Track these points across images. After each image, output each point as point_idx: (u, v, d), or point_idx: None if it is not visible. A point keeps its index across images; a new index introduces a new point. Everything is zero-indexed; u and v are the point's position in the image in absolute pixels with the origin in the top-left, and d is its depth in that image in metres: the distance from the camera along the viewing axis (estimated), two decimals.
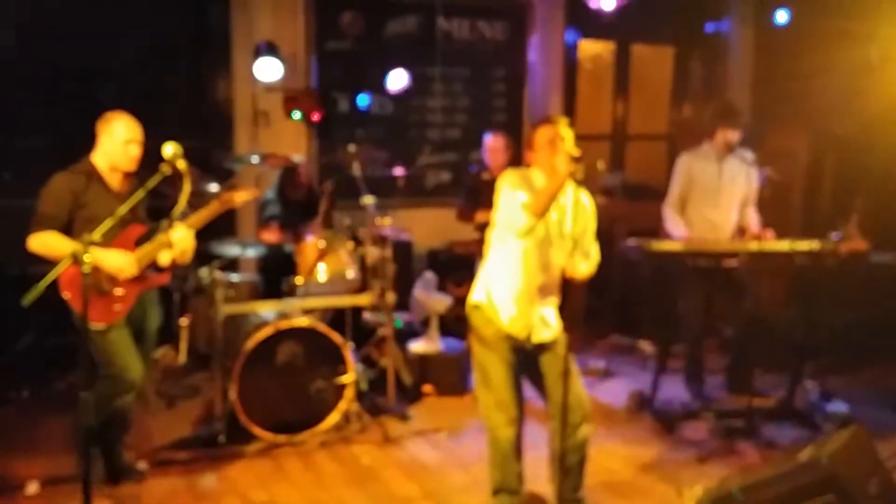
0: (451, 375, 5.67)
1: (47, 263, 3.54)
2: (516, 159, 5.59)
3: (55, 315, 3.75)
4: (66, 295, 3.74)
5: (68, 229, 3.75)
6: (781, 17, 7.55)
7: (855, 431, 3.41)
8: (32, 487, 4.10)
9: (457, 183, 7.50)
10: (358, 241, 5.33)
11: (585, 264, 3.71)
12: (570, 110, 8.06)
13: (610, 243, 5.91)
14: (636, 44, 8.55)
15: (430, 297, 5.86)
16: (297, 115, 6.88)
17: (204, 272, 5.03)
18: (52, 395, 5.36)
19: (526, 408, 3.75)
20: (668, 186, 5.42)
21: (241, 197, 4.31)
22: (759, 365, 5.52)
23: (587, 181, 3.40)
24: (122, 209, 3.46)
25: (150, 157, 3.76)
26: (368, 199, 5.33)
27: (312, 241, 5.09)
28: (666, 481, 4.32)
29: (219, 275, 4.90)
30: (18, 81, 6.05)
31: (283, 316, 4.88)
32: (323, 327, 4.81)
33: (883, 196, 6.43)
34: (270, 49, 6.47)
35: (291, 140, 6.93)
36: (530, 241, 3.57)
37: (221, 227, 4.50)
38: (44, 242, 3.71)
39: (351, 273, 5.13)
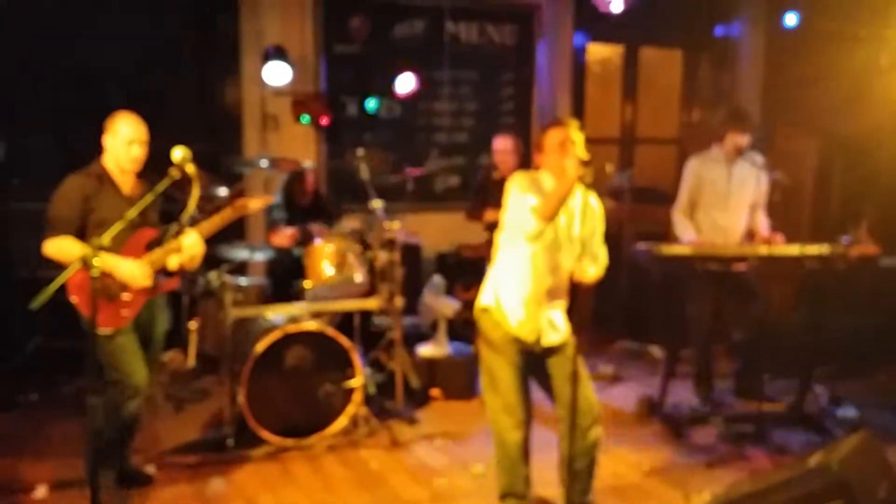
0: (459, 379, 5.66)
1: (55, 267, 3.55)
2: (526, 161, 5.59)
3: (63, 319, 3.76)
4: (74, 299, 3.73)
5: (82, 233, 3.75)
6: (791, 20, 7.53)
7: (865, 436, 3.39)
8: (41, 491, 4.11)
9: (465, 187, 7.50)
10: (366, 245, 5.33)
11: (594, 268, 3.70)
12: (578, 114, 8.05)
13: (619, 247, 5.92)
14: (645, 47, 8.54)
15: (439, 301, 5.86)
16: (305, 118, 6.90)
17: (213, 276, 5.04)
18: (61, 399, 5.37)
19: (534, 411, 3.75)
20: (677, 190, 5.41)
21: (256, 204, 4.30)
22: (768, 370, 5.50)
23: (596, 184, 3.40)
24: (132, 213, 3.47)
25: (160, 161, 3.75)
26: (377, 203, 5.33)
27: (321, 245, 5.09)
28: (674, 486, 4.30)
29: (228, 278, 4.92)
30: (28, 86, 6.07)
31: (291, 320, 4.88)
32: (331, 331, 4.81)
33: (893, 200, 6.40)
34: (279, 53, 6.48)
35: (300, 144, 6.95)
36: (539, 245, 3.56)
37: (230, 230, 4.50)
38: (59, 248, 3.70)
39: (359, 277, 5.13)
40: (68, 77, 6.17)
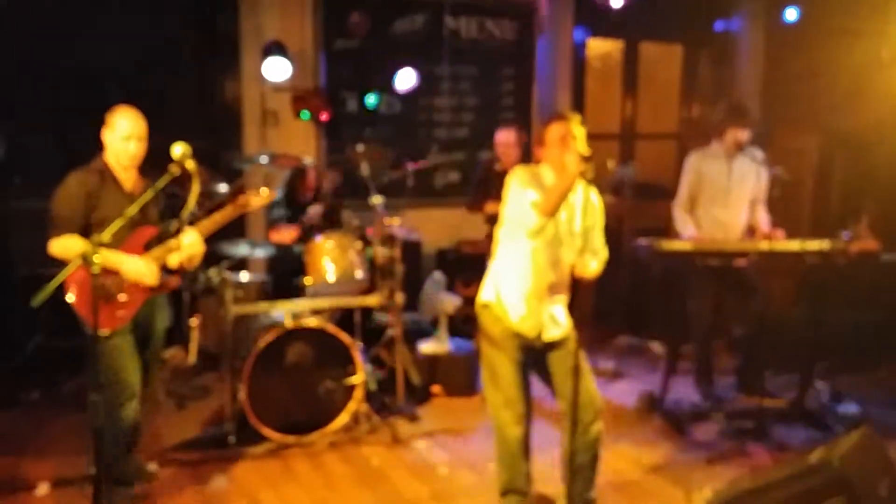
0: (460, 376, 5.66)
1: (56, 265, 3.52)
2: (527, 154, 5.59)
3: (64, 317, 3.73)
4: (71, 298, 3.68)
5: (86, 231, 3.70)
6: (791, 14, 7.53)
7: (866, 433, 3.39)
8: (43, 488, 4.12)
9: (465, 182, 7.50)
10: (367, 242, 5.33)
11: (595, 263, 3.69)
12: (578, 109, 8.04)
13: (619, 243, 5.91)
14: (645, 42, 8.53)
15: (439, 298, 5.86)
16: (305, 114, 6.89)
17: (213, 272, 5.04)
18: (62, 397, 5.37)
19: (535, 407, 3.75)
20: (677, 186, 5.41)
21: (258, 201, 4.27)
22: (769, 365, 5.50)
23: (597, 180, 3.39)
24: (132, 209, 3.45)
25: (160, 158, 3.73)
26: (377, 199, 5.33)
27: (321, 242, 5.09)
28: (675, 482, 4.30)
29: (228, 275, 4.91)
30: (28, 84, 6.06)
31: (292, 316, 4.87)
32: (332, 328, 4.81)
33: (893, 195, 6.39)
34: (279, 49, 6.47)
35: (300, 140, 6.94)
36: (540, 240, 3.55)
37: (231, 227, 4.50)
38: (65, 246, 3.66)
39: (360, 273, 5.13)
40: (67, 75, 6.17)
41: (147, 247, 3.85)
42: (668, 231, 5.42)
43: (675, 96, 8.81)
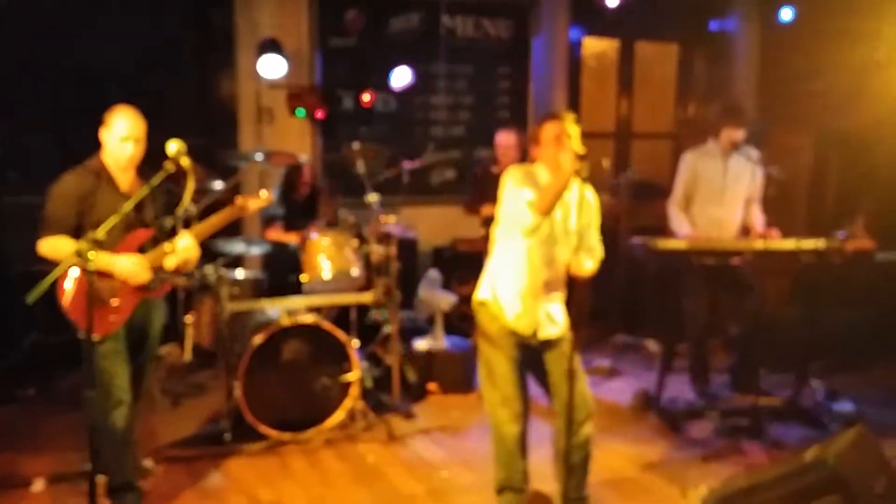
0: (456, 373, 5.67)
1: (52, 262, 3.52)
2: (527, 157, 5.59)
3: (60, 313, 3.72)
4: (65, 302, 3.61)
5: (78, 232, 3.61)
6: (786, 14, 7.53)
7: (861, 431, 3.40)
8: (38, 485, 4.12)
9: (461, 180, 7.51)
10: (362, 239, 5.32)
11: (590, 261, 3.70)
12: (574, 108, 8.02)
13: (615, 241, 5.92)
14: (640, 41, 8.53)
15: (435, 295, 5.86)
16: (301, 112, 6.89)
17: (209, 270, 5.03)
18: (58, 394, 5.38)
19: (531, 406, 3.75)
20: (672, 184, 5.42)
21: (256, 204, 4.22)
22: (764, 364, 5.51)
23: (592, 179, 3.39)
24: (127, 206, 3.41)
25: (155, 156, 3.71)
26: (373, 197, 5.33)
27: (317, 239, 5.09)
28: (671, 480, 4.31)
29: (224, 272, 4.91)
30: (24, 81, 6.05)
31: (288, 313, 4.88)
32: (328, 325, 4.81)
33: (888, 194, 6.41)
34: (274, 46, 6.46)
35: (295, 137, 6.94)
36: (535, 239, 3.56)
37: (226, 224, 4.48)
38: (53, 247, 3.61)
39: (355, 271, 5.13)
40: (63, 72, 6.16)
41: (141, 249, 3.78)
42: (663, 230, 5.42)
43: (671, 95, 8.82)
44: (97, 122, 3.74)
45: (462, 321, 5.84)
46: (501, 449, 3.70)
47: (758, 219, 5.32)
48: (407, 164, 6.11)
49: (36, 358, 5.66)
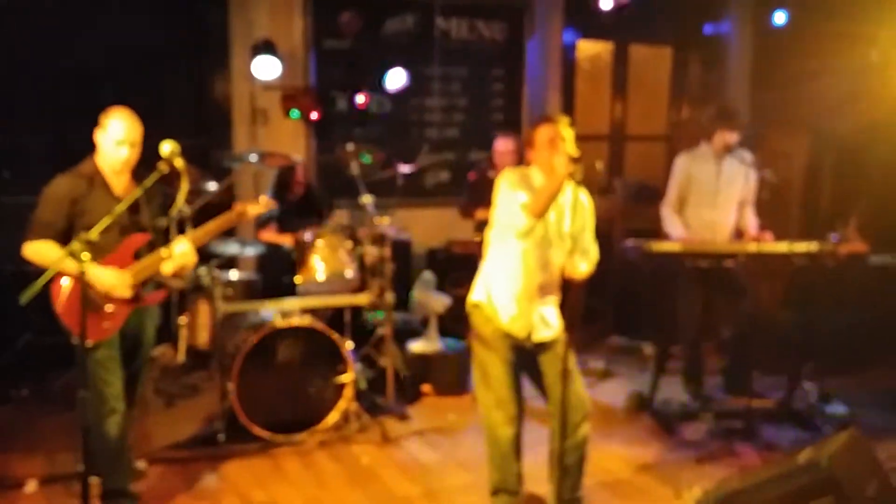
0: (450, 375, 5.67)
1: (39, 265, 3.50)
2: (523, 163, 5.60)
3: (53, 313, 3.70)
4: (60, 308, 3.56)
5: (67, 235, 3.56)
6: (780, 18, 7.55)
7: (854, 433, 3.42)
8: (31, 486, 4.10)
9: (455, 182, 7.51)
10: (357, 241, 5.32)
11: (585, 264, 3.71)
12: (568, 110, 8.06)
13: (609, 244, 5.93)
14: (635, 44, 8.55)
15: (429, 297, 5.86)
16: (295, 113, 6.88)
17: (203, 271, 5.03)
18: (51, 394, 5.35)
19: (525, 408, 3.76)
20: (666, 187, 5.43)
21: (255, 209, 4.17)
22: (757, 366, 5.51)
23: (586, 182, 3.40)
24: (120, 207, 3.38)
25: (149, 156, 3.68)
26: (367, 199, 5.33)
27: (311, 241, 5.09)
28: (665, 482, 4.32)
29: (218, 273, 4.90)
30: (18, 81, 6.03)
31: (282, 315, 4.87)
32: (322, 327, 4.81)
33: (882, 198, 6.43)
34: (269, 47, 6.46)
35: (290, 139, 6.94)
36: (529, 241, 3.57)
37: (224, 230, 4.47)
38: (37, 251, 3.55)
39: (350, 272, 5.13)
40: (59, 72, 6.13)
41: (137, 255, 3.72)
42: (657, 232, 5.43)
43: (665, 98, 8.84)
44: (92, 122, 3.68)
45: (456, 323, 5.83)
46: (496, 451, 3.71)
47: (751, 221, 5.34)
48: (401, 169, 6.12)
49: (29, 358, 5.64)
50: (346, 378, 4.83)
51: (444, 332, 5.85)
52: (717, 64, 8.67)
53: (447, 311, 5.86)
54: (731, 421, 5.01)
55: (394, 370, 5.32)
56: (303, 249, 5.10)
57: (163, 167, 3.53)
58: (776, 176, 5.22)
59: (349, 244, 5.21)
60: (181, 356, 5.49)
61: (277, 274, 5.50)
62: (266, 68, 6.42)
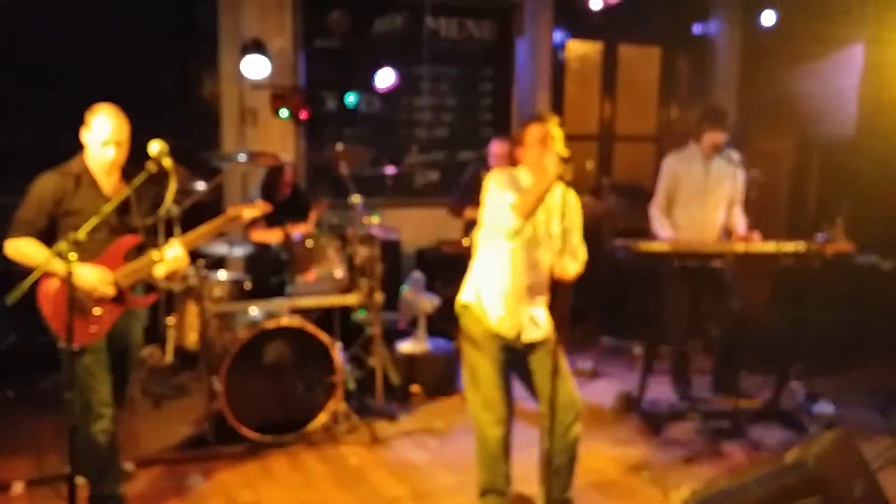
0: (439, 375, 5.67)
1: (20, 264, 3.47)
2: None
3: (40, 314, 3.68)
4: (47, 312, 3.49)
5: (51, 234, 3.51)
6: (768, 18, 7.58)
7: (841, 433, 3.42)
8: (18, 487, 4.08)
9: (445, 182, 7.51)
10: (346, 241, 5.31)
11: (574, 264, 3.71)
12: (557, 110, 8.07)
13: (598, 244, 5.94)
14: (624, 44, 8.57)
15: (418, 297, 5.86)
16: (284, 113, 6.87)
17: (191, 271, 5.00)
18: (38, 395, 5.33)
19: (514, 409, 3.76)
20: (655, 187, 5.44)
21: (250, 213, 4.16)
22: (745, 366, 5.54)
23: (576, 181, 3.41)
24: (108, 207, 3.33)
25: (137, 156, 3.65)
26: (356, 199, 5.32)
27: (300, 241, 5.08)
28: (653, 482, 4.33)
29: (206, 274, 4.88)
30: (3, 78, 5.99)
31: (270, 315, 4.86)
32: (311, 327, 4.79)
33: (868, 198, 6.47)
34: (258, 46, 6.44)
35: (279, 138, 6.92)
36: (518, 242, 3.57)
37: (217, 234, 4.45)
38: (18, 249, 3.49)
39: (339, 272, 5.12)
40: (45, 69, 6.10)
41: (127, 257, 3.66)
42: (646, 232, 5.44)
43: (654, 98, 8.86)
44: (80, 121, 3.61)
45: (445, 323, 5.83)
46: (484, 452, 3.70)
47: (739, 221, 5.35)
48: (390, 171, 6.11)
49: (16, 359, 5.61)
50: (335, 379, 4.82)
51: (432, 332, 5.84)
52: (705, 64, 8.69)
53: (436, 311, 5.86)
54: (718, 421, 5.03)
55: (383, 373, 5.31)
56: (292, 249, 5.09)
57: (151, 167, 3.48)
58: (764, 176, 5.24)
59: (338, 244, 5.21)
60: (169, 357, 5.47)
61: (266, 274, 5.49)
62: (255, 67, 6.41)
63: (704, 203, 5.31)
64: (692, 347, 5.58)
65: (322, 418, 4.83)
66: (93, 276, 3.50)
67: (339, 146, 5.47)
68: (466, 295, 3.76)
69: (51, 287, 3.48)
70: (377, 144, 7.09)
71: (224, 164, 5.58)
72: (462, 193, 6.18)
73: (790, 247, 4.84)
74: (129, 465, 4.28)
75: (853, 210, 5.58)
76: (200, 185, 5.25)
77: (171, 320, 5.39)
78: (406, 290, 5.94)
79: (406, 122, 7.59)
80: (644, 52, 8.78)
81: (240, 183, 6.64)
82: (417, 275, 6.08)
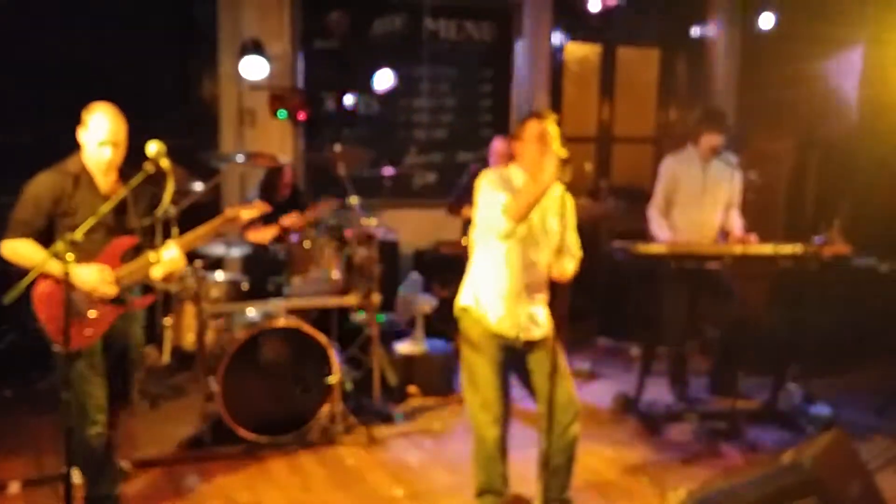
0: (437, 376, 5.67)
1: (17, 265, 3.47)
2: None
3: (36, 316, 3.67)
4: (41, 315, 3.46)
5: (48, 234, 3.48)
6: (767, 21, 7.57)
7: (837, 434, 3.43)
8: (14, 487, 4.08)
9: (443, 183, 7.50)
10: (343, 241, 5.31)
11: (571, 263, 3.71)
12: (556, 112, 8.02)
13: (596, 245, 5.94)
14: (622, 46, 8.56)
15: (416, 298, 5.86)
16: (282, 114, 6.87)
17: (188, 272, 5.00)
18: (35, 395, 5.32)
19: (512, 409, 3.76)
20: (653, 189, 5.45)
21: (248, 214, 4.12)
22: (742, 367, 5.54)
23: (575, 183, 3.40)
24: (105, 207, 3.31)
25: (135, 156, 3.64)
26: (354, 199, 5.32)
27: (298, 242, 5.08)
28: (650, 483, 4.34)
29: (203, 274, 4.88)
30: (3, 78, 5.99)
31: (267, 316, 4.86)
32: (308, 328, 4.79)
33: (866, 200, 6.47)
34: (256, 47, 6.44)
35: (277, 139, 6.92)
36: (513, 242, 3.57)
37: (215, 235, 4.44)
38: (14, 250, 3.46)
39: (336, 273, 5.12)
40: (44, 69, 6.09)
41: (124, 258, 3.62)
42: (644, 234, 5.45)
43: (652, 100, 8.86)
44: (78, 120, 3.58)
45: (443, 324, 5.84)
46: (482, 452, 3.70)
47: (737, 223, 5.36)
48: (389, 171, 6.11)
49: (13, 359, 5.61)
50: (333, 379, 4.82)
51: (430, 333, 5.84)
52: (703, 66, 8.69)
53: (433, 311, 5.86)
54: (716, 422, 5.04)
55: (381, 373, 5.31)
56: (290, 250, 5.09)
57: (149, 167, 3.47)
58: (762, 178, 5.24)
59: (336, 245, 5.21)
60: (166, 357, 5.47)
61: (263, 275, 5.48)
62: (254, 68, 6.40)
63: (702, 205, 5.32)
64: (690, 349, 5.57)
65: (319, 419, 4.83)
66: (93, 277, 3.47)
67: (338, 147, 5.46)
68: (465, 298, 3.75)
69: (46, 289, 3.44)
70: (376, 145, 7.08)
71: (222, 165, 5.58)
72: (462, 192, 6.19)
73: (788, 249, 4.84)
74: (125, 465, 4.27)
75: (852, 211, 5.59)
76: (198, 186, 5.25)
77: (168, 321, 5.39)
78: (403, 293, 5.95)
79: (405, 123, 7.58)
80: (643, 54, 8.78)
81: (238, 184, 6.64)
82: (415, 276, 6.08)
